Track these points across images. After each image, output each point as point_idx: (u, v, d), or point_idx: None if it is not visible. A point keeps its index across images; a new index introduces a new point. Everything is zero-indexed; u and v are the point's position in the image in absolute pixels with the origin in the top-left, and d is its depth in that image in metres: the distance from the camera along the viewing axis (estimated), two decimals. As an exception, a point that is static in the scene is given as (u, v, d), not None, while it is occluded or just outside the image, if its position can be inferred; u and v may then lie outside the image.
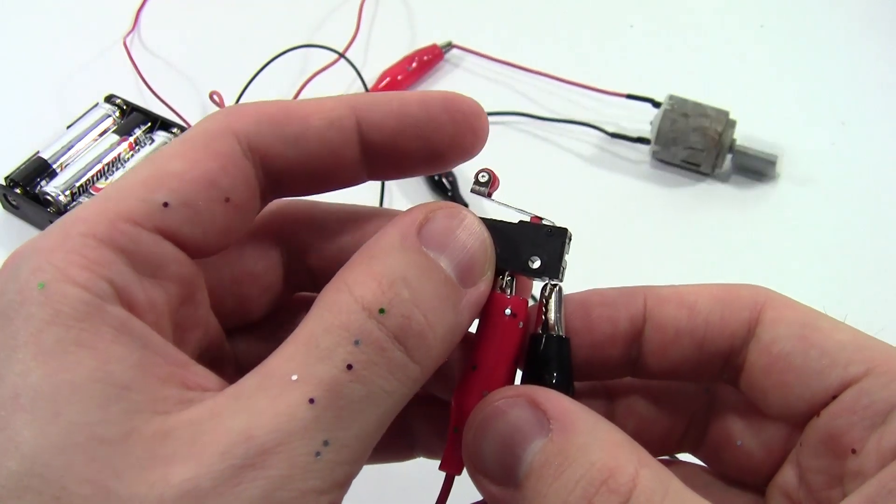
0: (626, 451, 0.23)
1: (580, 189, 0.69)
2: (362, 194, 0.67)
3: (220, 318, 0.27)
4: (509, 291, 0.27)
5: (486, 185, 0.29)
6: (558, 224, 0.28)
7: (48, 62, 0.77)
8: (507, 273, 0.27)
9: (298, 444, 0.21)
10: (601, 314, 0.28)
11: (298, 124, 0.26)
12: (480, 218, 0.27)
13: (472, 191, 0.29)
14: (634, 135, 0.70)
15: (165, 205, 0.23)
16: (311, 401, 0.21)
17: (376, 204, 0.65)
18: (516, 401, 0.24)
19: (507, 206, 0.29)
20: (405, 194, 0.68)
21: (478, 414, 0.25)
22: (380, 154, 0.27)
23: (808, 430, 0.26)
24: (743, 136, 0.68)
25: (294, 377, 0.21)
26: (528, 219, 0.28)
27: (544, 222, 0.28)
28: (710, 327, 0.27)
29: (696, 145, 0.66)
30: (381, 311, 0.22)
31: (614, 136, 0.70)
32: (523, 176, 0.72)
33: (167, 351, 0.22)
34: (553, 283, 0.28)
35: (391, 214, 0.26)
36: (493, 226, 0.27)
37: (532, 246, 0.28)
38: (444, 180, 0.66)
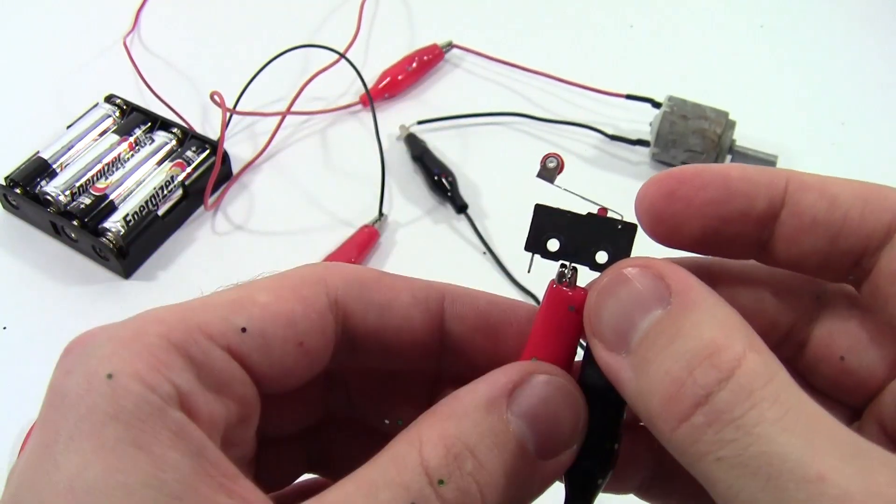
0: (740, 333, 0.23)
1: (580, 190, 0.69)
2: (360, 197, 0.67)
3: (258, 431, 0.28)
4: (572, 284, 0.27)
5: (554, 171, 0.28)
6: (626, 219, 0.27)
7: (48, 62, 0.77)
8: (570, 265, 0.27)
9: None
10: (739, 188, 0.27)
11: (387, 294, 0.27)
12: (550, 207, 0.27)
13: (539, 175, 0.28)
14: (634, 135, 0.70)
15: (243, 330, 0.24)
16: None
17: (375, 205, 0.66)
18: (643, 271, 0.24)
19: (573, 194, 0.28)
20: (406, 196, 0.68)
21: (603, 279, 0.25)
22: (456, 344, 0.28)
23: None
24: (743, 136, 0.68)
25: None
26: (594, 210, 0.28)
27: (611, 214, 0.27)
28: (849, 222, 0.26)
29: (695, 148, 0.66)
30: (441, 482, 0.22)
31: (614, 138, 0.70)
32: (522, 177, 0.72)
33: (219, 461, 0.22)
34: None
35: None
36: (560, 216, 0.27)
37: (599, 239, 0.27)
38: (443, 181, 0.67)
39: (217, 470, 0.22)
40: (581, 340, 0.27)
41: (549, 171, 0.28)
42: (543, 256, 0.28)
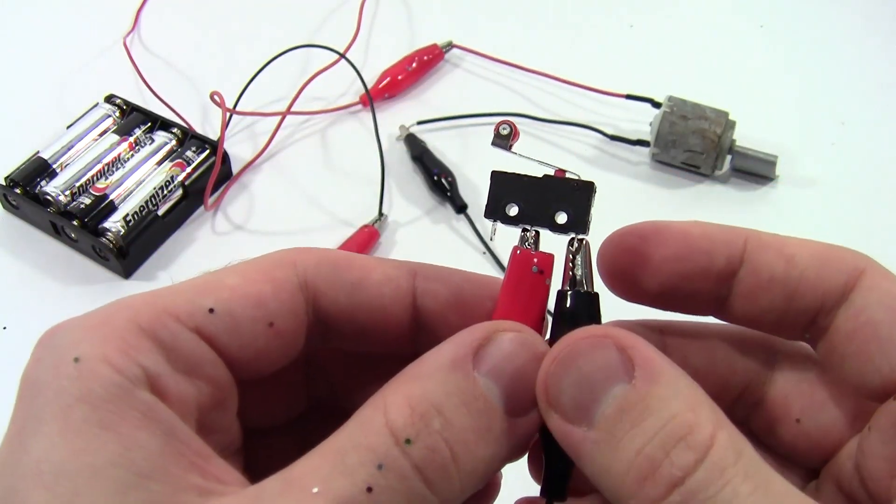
0: (706, 409, 0.23)
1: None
2: (360, 197, 0.67)
3: (241, 420, 0.28)
4: (535, 248, 0.27)
5: (508, 137, 0.28)
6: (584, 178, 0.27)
7: (48, 62, 0.77)
8: (532, 229, 0.27)
9: None
10: (699, 246, 0.27)
11: (357, 273, 0.27)
12: (506, 173, 0.27)
13: (493, 144, 0.29)
14: (634, 135, 0.70)
15: (211, 311, 0.24)
16: None
17: (375, 205, 0.66)
18: (603, 341, 0.24)
19: (529, 159, 0.28)
20: (406, 196, 0.68)
21: (561, 348, 0.24)
22: (430, 323, 0.28)
23: (880, 414, 0.26)
24: (743, 136, 0.68)
25: (315, 489, 0.21)
26: (552, 172, 0.28)
27: (568, 175, 0.27)
28: (805, 282, 0.27)
29: (695, 148, 0.66)
30: (408, 441, 0.22)
31: (614, 138, 0.70)
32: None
33: (191, 441, 0.22)
34: (580, 237, 0.27)
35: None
36: (518, 180, 0.27)
37: (557, 200, 0.27)
38: (443, 181, 0.67)
39: (189, 450, 0.22)
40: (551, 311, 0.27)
41: (503, 138, 0.29)
42: (504, 222, 0.28)
